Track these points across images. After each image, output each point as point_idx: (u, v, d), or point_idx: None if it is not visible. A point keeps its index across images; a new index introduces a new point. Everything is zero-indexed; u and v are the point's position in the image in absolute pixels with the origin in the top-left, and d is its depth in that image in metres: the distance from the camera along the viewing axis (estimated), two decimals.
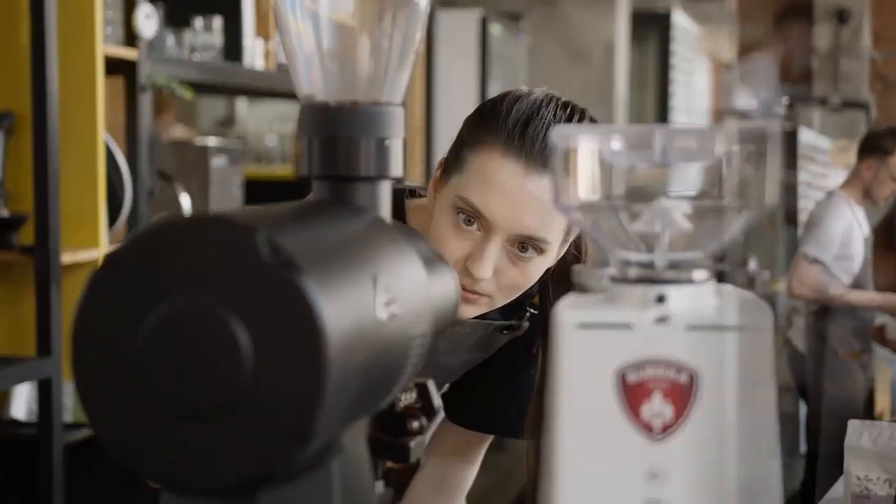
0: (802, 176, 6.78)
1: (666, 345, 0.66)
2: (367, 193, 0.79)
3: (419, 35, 0.82)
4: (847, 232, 4.21)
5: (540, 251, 1.24)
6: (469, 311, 1.28)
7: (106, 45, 2.51)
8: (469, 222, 1.23)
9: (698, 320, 0.66)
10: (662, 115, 7.54)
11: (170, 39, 2.90)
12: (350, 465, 0.69)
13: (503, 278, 1.25)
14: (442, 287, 0.82)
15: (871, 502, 1.88)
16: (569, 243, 1.32)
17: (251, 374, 0.58)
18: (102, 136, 2.46)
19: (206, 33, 2.97)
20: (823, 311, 4.27)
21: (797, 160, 6.85)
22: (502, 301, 1.28)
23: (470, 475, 1.54)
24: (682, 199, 0.69)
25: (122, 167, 2.55)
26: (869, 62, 9.69)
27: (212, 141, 3.14)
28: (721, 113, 9.78)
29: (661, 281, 0.68)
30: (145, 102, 2.67)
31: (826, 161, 7.34)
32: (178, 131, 4.08)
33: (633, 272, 0.69)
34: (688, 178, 0.71)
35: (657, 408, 0.66)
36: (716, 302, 0.69)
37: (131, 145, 2.65)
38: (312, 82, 0.80)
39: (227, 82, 3.07)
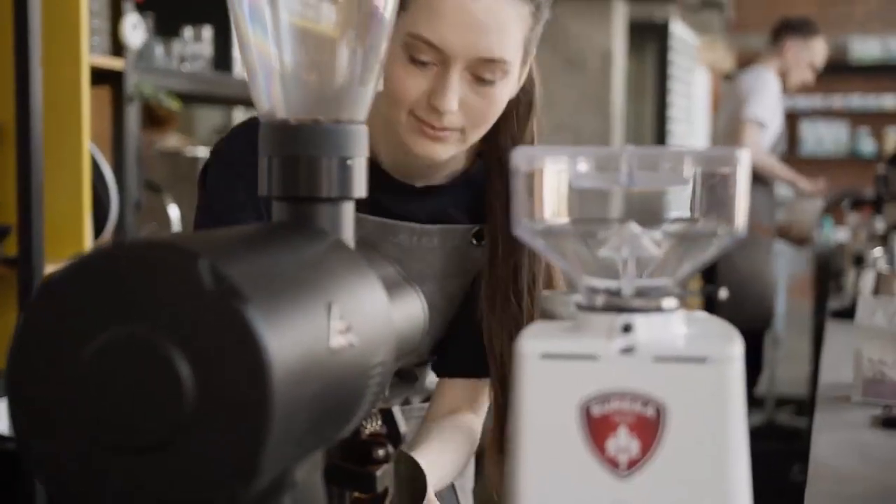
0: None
1: (632, 377, 0.63)
2: (328, 215, 0.76)
3: (383, 48, 0.80)
4: (778, 103, 4.35)
5: (502, 73, 1.21)
6: (442, 150, 1.24)
7: (92, 55, 2.49)
8: (423, 60, 1.20)
9: (666, 351, 0.63)
10: (660, 125, 7.51)
11: (159, 49, 2.88)
12: (304, 500, 0.66)
13: (470, 110, 1.22)
14: (406, 311, 0.79)
15: (886, 387, 1.74)
16: (528, 66, 1.29)
17: (192, 407, 0.56)
18: (88, 146, 2.44)
19: (196, 43, 2.95)
20: None
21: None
22: (474, 136, 1.25)
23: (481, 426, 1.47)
24: (651, 224, 0.67)
25: (108, 178, 2.52)
26: None
27: (202, 151, 3.12)
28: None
29: (628, 309, 0.65)
30: (132, 113, 2.64)
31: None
32: (172, 140, 4.05)
33: (599, 300, 0.66)
34: (656, 202, 0.69)
35: (623, 443, 0.63)
36: (685, 331, 0.67)
37: (118, 156, 2.62)
38: (272, 99, 0.77)
39: (217, 92, 3.04)
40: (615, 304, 0.66)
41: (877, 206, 4.14)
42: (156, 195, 2.83)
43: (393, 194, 1.35)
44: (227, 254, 0.59)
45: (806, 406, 4.83)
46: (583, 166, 0.66)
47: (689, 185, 0.66)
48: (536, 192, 0.67)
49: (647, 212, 0.68)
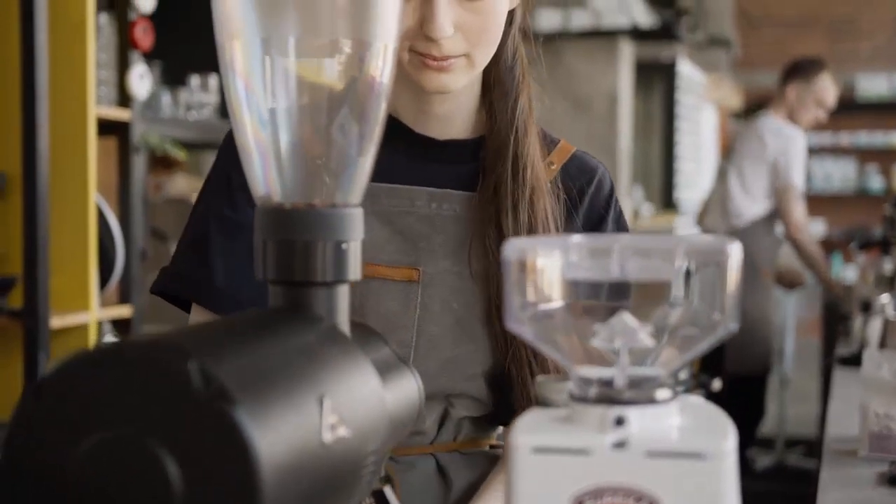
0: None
1: (625, 472, 0.63)
2: (323, 299, 0.76)
3: (378, 130, 0.80)
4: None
5: None
6: (452, 80, 1.18)
7: (99, 107, 2.50)
8: None
9: (659, 445, 0.63)
10: (668, 163, 7.52)
11: (166, 97, 2.90)
12: None
13: (468, 30, 1.15)
14: (400, 393, 0.79)
15: (893, 442, 1.71)
16: None
17: None
18: (94, 197, 2.45)
19: (202, 91, 2.97)
20: (751, 230, 4.38)
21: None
22: (483, 57, 1.19)
23: None
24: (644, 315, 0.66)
25: (114, 229, 2.53)
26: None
27: None
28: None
29: (620, 401, 0.65)
30: (138, 163, 2.65)
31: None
32: (180, 182, 4.06)
33: (592, 391, 0.66)
34: (649, 292, 0.68)
35: None
36: (679, 422, 0.66)
37: (124, 206, 2.63)
38: (268, 183, 0.78)
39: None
40: (608, 396, 0.66)
41: (884, 246, 4.13)
42: (162, 243, 2.84)
43: (414, 152, 1.27)
44: (217, 352, 0.59)
45: (816, 447, 4.80)
46: (574, 257, 0.66)
47: (682, 276, 0.66)
48: (528, 282, 0.67)
49: (641, 301, 0.68)
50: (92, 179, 2.43)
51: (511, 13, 1.24)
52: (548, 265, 0.66)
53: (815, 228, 10.11)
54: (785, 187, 4.29)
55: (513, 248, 0.67)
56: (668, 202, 7.47)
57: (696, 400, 0.71)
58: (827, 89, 4.54)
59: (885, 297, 3.05)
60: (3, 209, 2.38)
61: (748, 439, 4.57)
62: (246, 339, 0.65)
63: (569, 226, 1.28)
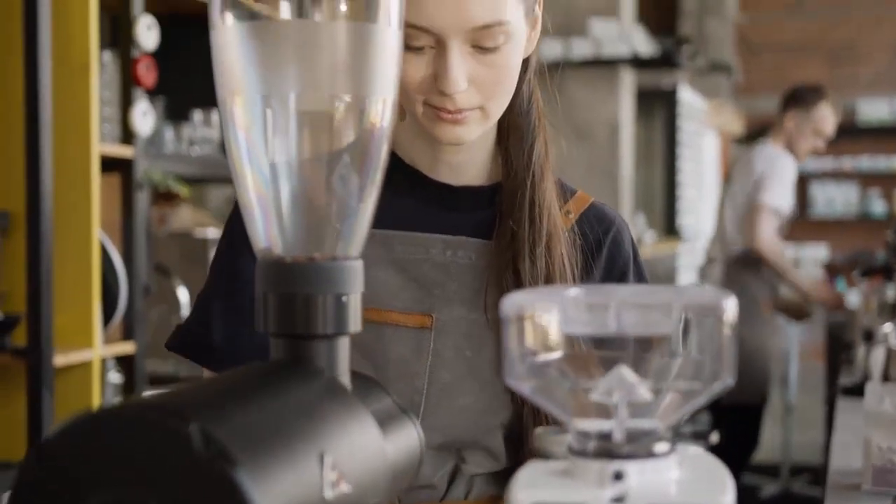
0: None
1: None
2: (324, 352, 0.76)
3: (377, 183, 0.81)
4: (792, 187, 4.38)
5: (504, 36, 1.13)
6: (466, 133, 1.16)
7: (103, 144, 2.52)
8: (418, 46, 1.12)
9: (658, 500, 0.63)
10: (670, 190, 7.54)
11: (169, 132, 2.91)
12: None
13: (481, 84, 1.13)
14: (401, 443, 0.79)
15: None
16: (538, 24, 1.22)
17: None
18: (97, 235, 2.46)
19: (205, 126, 2.99)
20: (746, 259, 4.32)
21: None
22: (497, 109, 1.17)
23: None
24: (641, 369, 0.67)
25: (118, 265, 2.54)
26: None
27: (212, 232, 3.14)
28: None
29: (619, 455, 0.65)
30: (141, 199, 2.67)
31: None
32: (185, 214, 4.07)
33: (590, 445, 0.67)
34: (647, 346, 0.69)
35: None
36: (678, 475, 0.67)
37: (127, 242, 2.64)
38: (269, 237, 0.78)
39: (226, 174, 3.07)
40: (606, 450, 0.66)
41: (887, 273, 4.12)
42: (165, 278, 2.85)
43: (429, 199, 1.26)
44: (218, 412, 0.60)
45: (821, 474, 4.78)
46: (572, 311, 0.67)
47: (679, 329, 0.66)
48: (527, 337, 0.67)
49: (639, 354, 0.69)
50: (95, 217, 2.44)
51: (526, 60, 1.23)
52: (546, 320, 0.67)
53: (817, 253, 10.12)
54: (756, 206, 4.27)
55: (511, 303, 0.67)
56: (670, 228, 7.48)
57: (695, 451, 0.72)
58: (826, 119, 4.54)
59: (887, 327, 3.04)
60: (7, 247, 2.39)
61: (741, 467, 4.56)
62: (247, 398, 0.65)
63: (586, 276, 1.26)
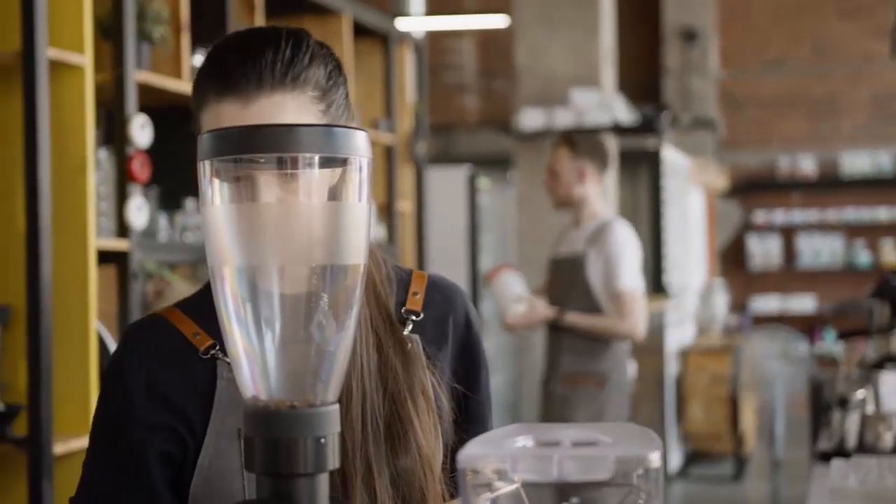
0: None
1: None
2: (305, 489, 0.87)
3: (351, 331, 0.91)
4: None
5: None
6: None
7: (99, 238, 2.62)
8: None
9: None
10: (656, 248, 7.64)
11: (163, 220, 3.02)
12: None
13: None
14: None
15: None
16: None
17: None
18: (95, 326, 2.55)
19: (198, 214, 3.10)
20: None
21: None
22: None
23: None
24: None
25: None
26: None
27: None
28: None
29: None
30: (136, 289, 2.77)
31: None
32: (179, 288, 4.15)
33: None
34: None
35: None
36: None
37: (123, 331, 2.74)
38: (256, 386, 0.89)
39: None
40: None
41: (866, 333, 4.22)
42: None
43: None
44: None
45: None
46: (518, 465, 0.77)
47: (612, 478, 0.76)
48: (480, 486, 0.77)
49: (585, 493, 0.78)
50: (93, 309, 2.53)
51: None
52: (494, 471, 0.77)
53: (804, 304, 10.24)
54: (625, 287, 3.90)
55: (466, 457, 0.77)
56: (657, 286, 7.58)
57: None
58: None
59: (861, 393, 3.11)
60: (8, 340, 2.48)
61: None
62: None
63: (440, 347, 1.30)
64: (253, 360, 0.88)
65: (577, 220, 3.97)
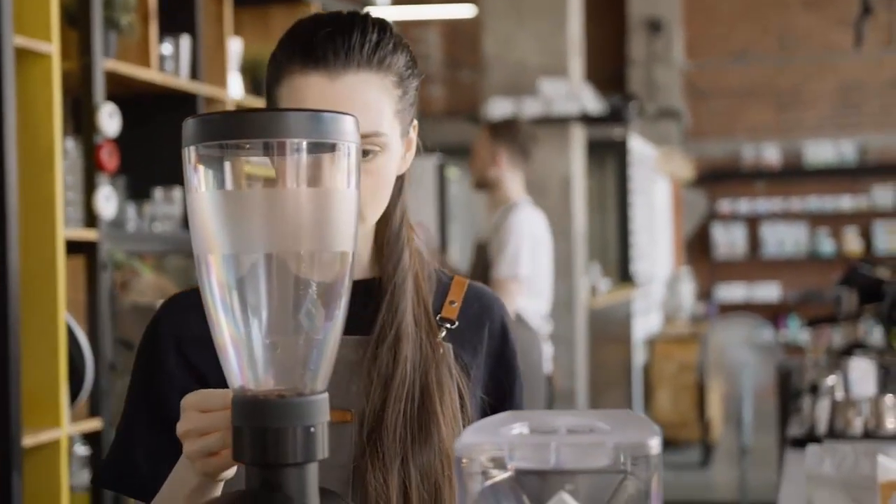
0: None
1: None
2: (294, 479, 0.85)
3: (340, 321, 0.90)
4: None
5: (380, 147, 1.20)
6: None
7: (67, 228, 2.59)
8: None
9: None
10: (623, 237, 7.67)
11: (131, 211, 2.99)
12: None
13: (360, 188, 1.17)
14: None
15: None
16: (413, 144, 1.29)
17: None
18: (63, 317, 2.52)
19: (166, 203, 3.07)
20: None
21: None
22: (370, 215, 1.23)
23: None
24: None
25: (84, 345, 2.60)
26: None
27: None
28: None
29: None
30: (105, 279, 2.73)
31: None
32: (146, 280, 4.10)
33: None
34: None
35: None
36: None
37: (92, 321, 2.71)
38: (243, 376, 0.87)
39: (187, 250, 3.15)
40: None
41: (832, 320, 4.24)
42: (129, 351, 2.91)
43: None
44: None
45: None
46: (519, 452, 0.76)
47: (610, 465, 0.76)
48: (477, 474, 0.76)
49: (580, 482, 0.77)
50: (61, 299, 2.50)
51: (400, 179, 1.30)
52: (495, 457, 0.76)
53: (769, 292, 10.32)
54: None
55: (463, 446, 0.76)
56: (624, 275, 7.61)
57: None
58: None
59: (831, 379, 3.13)
60: None
61: None
62: None
63: (473, 358, 1.31)
64: (240, 348, 0.87)
65: (491, 204, 4.06)
